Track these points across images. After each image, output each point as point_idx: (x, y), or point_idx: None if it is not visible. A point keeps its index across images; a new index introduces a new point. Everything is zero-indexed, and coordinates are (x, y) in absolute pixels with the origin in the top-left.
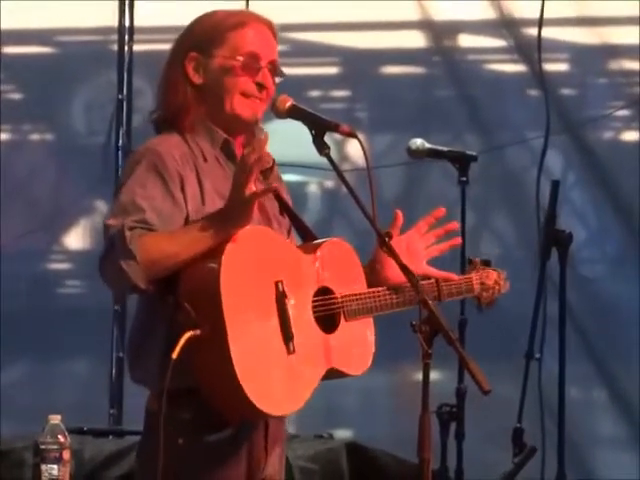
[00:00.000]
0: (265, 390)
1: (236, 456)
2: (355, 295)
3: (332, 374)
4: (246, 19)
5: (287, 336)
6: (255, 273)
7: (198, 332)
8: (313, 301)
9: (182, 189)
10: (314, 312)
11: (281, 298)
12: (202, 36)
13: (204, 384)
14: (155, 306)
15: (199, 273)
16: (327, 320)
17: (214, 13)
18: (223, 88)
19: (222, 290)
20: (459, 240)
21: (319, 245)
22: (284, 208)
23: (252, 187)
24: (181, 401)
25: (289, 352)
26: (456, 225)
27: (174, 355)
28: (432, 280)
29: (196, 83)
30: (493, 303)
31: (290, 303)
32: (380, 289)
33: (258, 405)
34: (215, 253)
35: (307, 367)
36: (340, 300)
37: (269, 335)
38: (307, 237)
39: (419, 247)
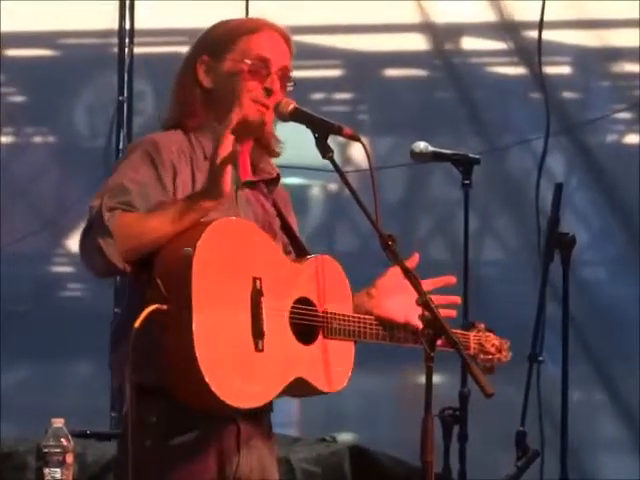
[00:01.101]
0: (224, 377)
1: (204, 458)
2: (338, 314)
3: (300, 387)
4: (260, 25)
5: (257, 333)
6: (234, 263)
7: (164, 307)
8: (292, 307)
9: (174, 181)
10: (290, 319)
11: (256, 295)
12: (215, 40)
13: (167, 365)
14: (134, 293)
15: (175, 252)
16: (305, 331)
17: (231, 20)
18: (231, 92)
19: (194, 270)
20: (454, 313)
21: (309, 258)
22: (282, 225)
23: (223, 153)
24: (148, 403)
25: (257, 349)
26: (458, 300)
27: (136, 324)
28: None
29: (206, 87)
30: (492, 370)
31: (266, 302)
32: (367, 317)
33: (214, 389)
34: (195, 233)
35: (274, 369)
36: (321, 315)
37: (238, 327)
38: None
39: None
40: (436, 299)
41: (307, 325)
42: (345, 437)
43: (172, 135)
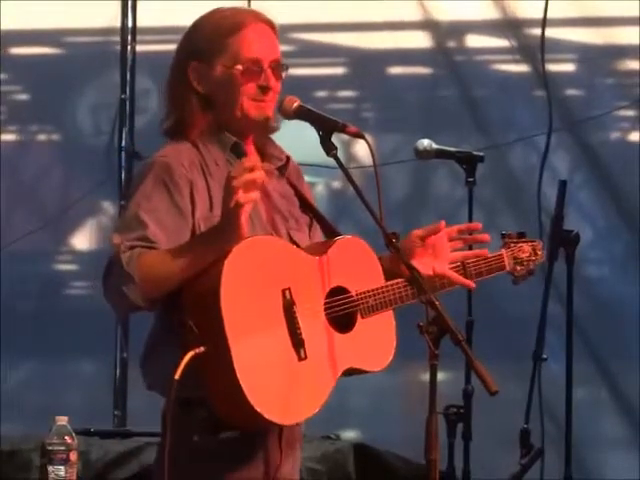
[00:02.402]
0: (274, 401)
1: (251, 457)
2: (371, 291)
3: (351, 372)
4: (243, 20)
5: (297, 343)
6: (259, 284)
7: (202, 349)
8: (326, 303)
9: (192, 196)
10: (327, 314)
11: (289, 306)
12: (201, 44)
13: (213, 399)
14: (165, 318)
15: (200, 290)
16: (344, 319)
17: (211, 16)
18: (229, 96)
19: (223, 306)
20: (486, 252)
21: (330, 244)
22: (304, 205)
23: (237, 198)
24: (197, 401)
25: (300, 359)
26: (487, 237)
27: (177, 376)
28: (458, 263)
29: (200, 92)
30: (532, 273)
31: (299, 309)
32: (397, 281)
33: (268, 417)
34: (215, 269)
35: (321, 371)
36: (356, 298)
37: (277, 344)
38: (329, 233)
39: (445, 249)
40: (463, 253)
41: (345, 313)
42: (349, 434)
43: (181, 147)
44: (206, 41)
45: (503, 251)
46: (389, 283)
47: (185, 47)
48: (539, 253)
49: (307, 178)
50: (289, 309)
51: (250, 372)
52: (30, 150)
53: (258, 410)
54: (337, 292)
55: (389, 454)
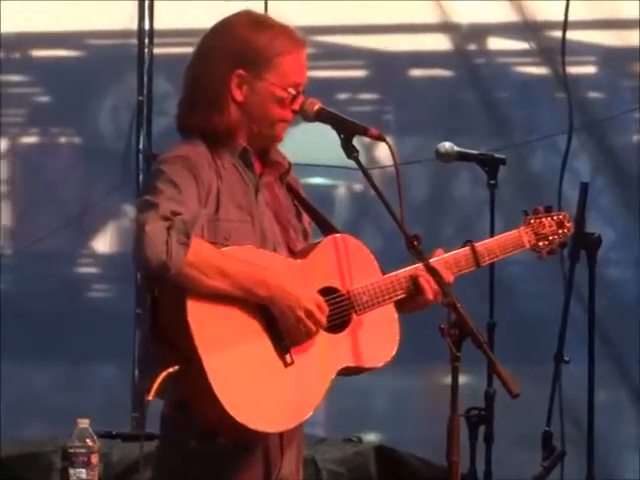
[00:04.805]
0: (259, 411)
1: (251, 458)
2: (363, 287)
3: (350, 371)
4: (294, 46)
5: (280, 349)
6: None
7: (176, 368)
8: None
9: (207, 195)
10: None
11: (268, 312)
12: (250, 54)
13: (199, 413)
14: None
15: (172, 307)
16: (337, 319)
17: (258, 30)
18: (269, 114)
19: (191, 323)
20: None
21: (314, 246)
22: (304, 207)
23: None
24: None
25: (286, 365)
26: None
27: (150, 397)
28: (467, 248)
29: (237, 100)
30: (562, 245)
31: None
32: (394, 274)
33: (253, 427)
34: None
35: (311, 374)
36: (346, 296)
37: (258, 355)
38: (330, 234)
39: None
40: None
41: (337, 313)
42: (371, 437)
43: (198, 149)
44: (254, 53)
45: (521, 229)
46: (384, 277)
47: (231, 55)
48: (567, 225)
49: (328, 181)
50: (269, 316)
51: (228, 385)
52: (51, 152)
53: (241, 422)
54: (326, 293)
55: (410, 456)
